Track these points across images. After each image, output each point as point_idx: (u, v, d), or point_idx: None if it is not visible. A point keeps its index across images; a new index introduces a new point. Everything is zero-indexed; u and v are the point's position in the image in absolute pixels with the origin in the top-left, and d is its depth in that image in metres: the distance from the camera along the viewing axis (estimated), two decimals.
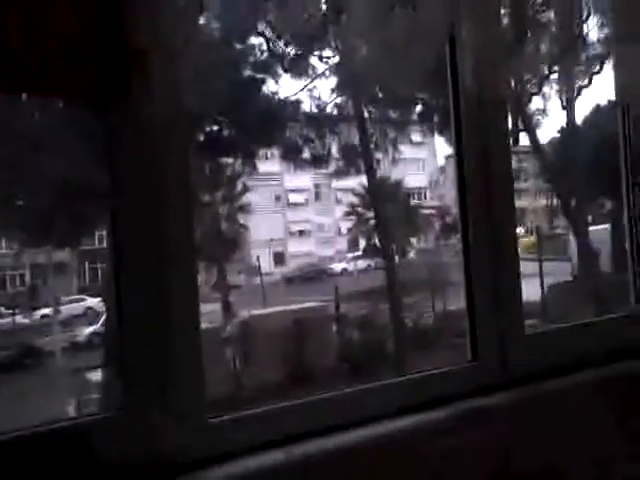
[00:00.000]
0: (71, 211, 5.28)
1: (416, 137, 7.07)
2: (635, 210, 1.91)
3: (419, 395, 1.47)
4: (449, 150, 7.28)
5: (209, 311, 6.37)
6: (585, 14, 1.54)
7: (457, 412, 1.44)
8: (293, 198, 8.94)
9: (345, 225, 8.22)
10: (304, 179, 8.41)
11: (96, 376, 5.23)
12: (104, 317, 5.91)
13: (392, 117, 6.33)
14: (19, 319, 6.57)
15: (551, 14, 1.51)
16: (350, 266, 8.37)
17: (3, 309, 6.74)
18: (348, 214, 7.65)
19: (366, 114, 6.21)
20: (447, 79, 1.62)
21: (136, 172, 1.06)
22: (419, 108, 6.07)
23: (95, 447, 0.98)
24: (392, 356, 5.68)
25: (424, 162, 8.38)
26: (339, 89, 5.82)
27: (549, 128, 6.82)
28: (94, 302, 6.70)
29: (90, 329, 6.29)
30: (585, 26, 1.55)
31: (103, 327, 5.78)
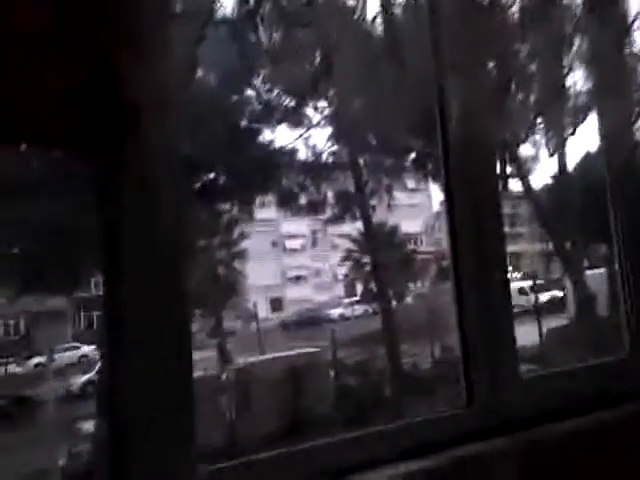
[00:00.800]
0: (66, 258, 5.29)
1: (411, 183, 7.16)
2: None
3: (415, 441, 1.46)
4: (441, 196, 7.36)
5: (205, 358, 6.31)
6: (569, 66, 1.59)
7: (451, 459, 1.43)
8: (290, 244, 8.98)
9: (342, 270, 8.23)
10: (300, 225, 8.47)
11: (89, 426, 5.14)
12: (98, 365, 5.86)
13: (386, 164, 6.43)
14: (12, 368, 6.50)
15: (536, 65, 1.56)
16: (347, 311, 8.35)
17: None
18: (345, 259, 7.68)
19: (361, 161, 6.32)
20: (436, 128, 1.66)
21: (130, 223, 1.08)
22: (413, 155, 6.18)
23: None
24: (389, 402, 5.61)
25: (419, 208, 8.45)
26: (334, 138, 5.94)
27: (542, 174, 6.92)
28: (89, 350, 6.64)
29: (84, 378, 6.22)
30: (570, 77, 1.60)
31: (97, 376, 5.72)
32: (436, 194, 7.72)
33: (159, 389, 1.10)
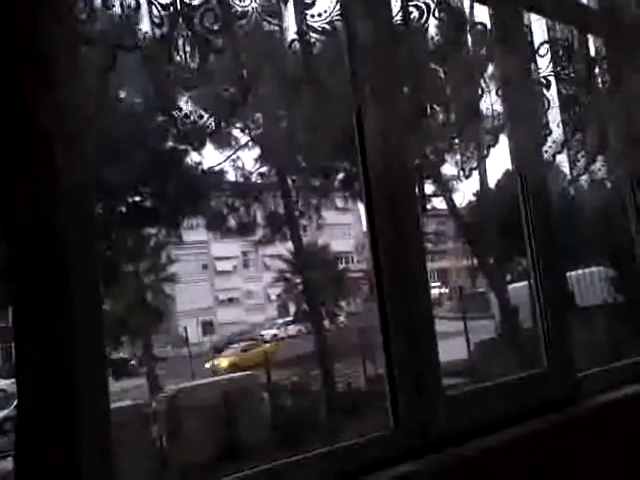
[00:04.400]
0: None
1: (341, 203, 7.24)
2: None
3: (346, 464, 1.46)
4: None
5: (135, 386, 6.12)
6: (481, 91, 1.66)
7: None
8: (221, 266, 8.87)
9: (274, 291, 8.20)
10: (231, 247, 8.39)
11: (7, 465, 4.86)
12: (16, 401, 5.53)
13: (315, 185, 6.48)
14: None
15: (450, 89, 1.62)
16: (281, 332, 8.31)
17: None
18: (277, 280, 7.65)
19: (290, 182, 6.34)
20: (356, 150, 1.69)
21: (38, 251, 1.04)
22: (341, 176, 6.25)
23: None
24: (323, 423, 5.59)
25: (349, 227, 8.55)
26: (262, 159, 5.94)
27: (466, 192, 7.15)
28: (6, 384, 6.32)
29: (2, 413, 5.90)
30: (483, 102, 1.66)
31: (15, 411, 5.40)
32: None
33: (74, 426, 1.06)
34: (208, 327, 8.59)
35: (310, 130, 1.56)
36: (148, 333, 6.84)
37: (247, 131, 5.65)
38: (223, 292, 8.83)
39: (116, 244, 5.81)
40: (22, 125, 1.02)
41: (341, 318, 7.57)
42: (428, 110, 1.58)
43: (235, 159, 6.01)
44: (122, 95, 4.90)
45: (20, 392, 1.06)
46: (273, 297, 8.38)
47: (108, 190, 4.92)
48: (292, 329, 8.12)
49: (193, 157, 5.80)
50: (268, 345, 7.16)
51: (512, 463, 1.68)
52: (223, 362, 6.97)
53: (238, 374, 6.33)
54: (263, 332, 8.41)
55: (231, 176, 6.21)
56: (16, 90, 1.02)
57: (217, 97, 1.38)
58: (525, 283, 6.43)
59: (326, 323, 6.92)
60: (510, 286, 6.82)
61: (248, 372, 6.39)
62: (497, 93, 1.67)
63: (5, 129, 1.04)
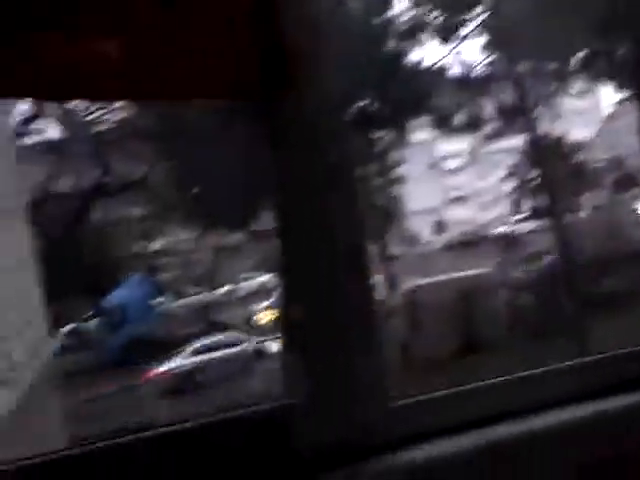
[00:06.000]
0: (242, 197, 5.62)
1: (578, 87, 6.55)
2: None
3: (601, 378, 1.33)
4: (617, 96, 6.68)
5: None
6: None
7: None
8: (448, 164, 8.74)
9: (505, 188, 7.88)
10: (458, 144, 8.17)
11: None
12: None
13: (550, 69, 5.89)
14: (203, 297, 7.27)
15: None
16: (514, 230, 8.05)
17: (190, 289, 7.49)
18: (509, 176, 7.33)
19: (521, 69, 5.84)
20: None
21: (301, 161, 1.10)
22: (580, 55, 5.59)
23: (286, 432, 1.03)
24: (570, 324, 5.35)
25: (589, 113, 7.76)
26: (490, 47, 5.53)
27: None
28: (267, 279, 7.16)
29: (264, 304, 6.71)
30: None
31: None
32: (607, 96, 7.02)
33: (344, 322, 1.11)
34: (438, 226, 8.63)
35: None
36: (381, 233, 7.09)
37: (470, 20, 5.30)
38: (452, 191, 8.74)
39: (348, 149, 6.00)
40: (277, 41, 1.06)
41: (582, 213, 7.05)
42: None
43: (459, 51, 5.72)
44: None
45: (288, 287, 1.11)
46: (504, 194, 8.09)
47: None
48: (526, 226, 7.81)
49: (415, 55, 5.64)
50: None
51: None
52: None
53: (474, 272, 6.29)
54: (495, 230, 8.22)
55: (455, 71, 5.95)
56: (269, 9, 1.05)
57: None
58: None
59: (566, 218, 6.49)
60: None
61: (484, 270, 6.31)
62: None
63: (262, 47, 1.09)
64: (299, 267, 1.12)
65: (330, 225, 1.12)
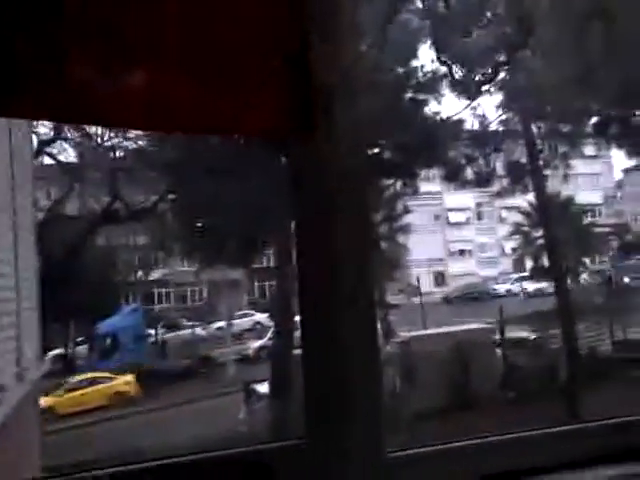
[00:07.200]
0: (243, 234, 5.60)
1: (590, 150, 6.59)
2: None
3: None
4: (628, 162, 6.74)
5: None
6: None
7: None
8: (454, 217, 8.76)
9: (509, 245, 7.87)
10: (465, 198, 8.20)
11: (263, 388, 5.49)
12: (270, 332, 6.27)
13: (563, 131, 5.93)
14: (198, 331, 7.24)
15: None
16: (515, 287, 8.02)
17: (185, 321, 7.47)
18: (513, 233, 7.32)
19: (534, 129, 5.86)
20: None
21: (315, 203, 1.07)
22: (594, 120, 5.63)
23: (276, 475, 0.99)
24: (563, 386, 5.24)
25: (598, 177, 7.81)
26: (505, 105, 5.58)
27: None
28: (262, 317, 7.16)
29: (258, 343, 6.66)
30: None
31: (270, 341, 6.11)
32: (618, 160, 7.08)
33: (345, 368, 1.07)
34: (440, 278, 8.60)
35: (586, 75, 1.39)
36: (382, 280, 7.04)
37: (488, 77, 5.36)
38: (455, 244, 8.73)
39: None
40: (307, 81, 1.05)
41: (584, 276, 7.02)
42: None
43: (475, 107, 5.77)
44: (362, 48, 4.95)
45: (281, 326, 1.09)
46: (508, 251, 8.09)
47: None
48: (528, 285, 7.78)
49: (431, 107, 5.70)
50: None
51: None
52: None
53: (472, 326, 6.22)
54: (496, 286, 8.19)
55: (470, 125, 5.99)
56: (301, 47, 1.04)
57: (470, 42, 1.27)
58: None
59: (567, 281, 6.45)
60: None
61: (481, 325, 6.24)
62: None
63: (292, 86, 1.07)
64: (301, 310, 1.08)
65: (337, 266, 1.09)
